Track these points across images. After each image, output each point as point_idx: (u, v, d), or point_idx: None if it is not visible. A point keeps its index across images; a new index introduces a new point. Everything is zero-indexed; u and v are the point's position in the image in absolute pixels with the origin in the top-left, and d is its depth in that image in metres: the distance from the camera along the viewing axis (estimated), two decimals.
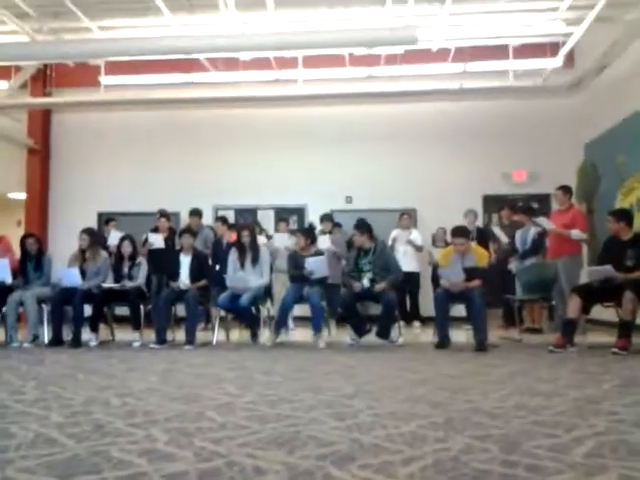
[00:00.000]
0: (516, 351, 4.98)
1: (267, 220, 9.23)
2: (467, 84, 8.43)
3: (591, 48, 7.68)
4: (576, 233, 6.25)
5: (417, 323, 7.96)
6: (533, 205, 7.90)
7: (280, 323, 5.78)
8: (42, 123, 10.16)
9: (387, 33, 6.51)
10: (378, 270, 5.58)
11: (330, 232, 7.86)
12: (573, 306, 5.01)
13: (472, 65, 8.31)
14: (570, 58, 8.55)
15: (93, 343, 5.66)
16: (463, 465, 1.73)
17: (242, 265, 5.91)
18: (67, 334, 5.75)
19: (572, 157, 8.86)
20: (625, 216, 5.24)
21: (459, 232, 5.49)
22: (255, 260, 5.89)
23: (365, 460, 1.79)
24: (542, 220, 6.52)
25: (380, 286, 5.46)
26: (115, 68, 8.68)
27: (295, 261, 5.97)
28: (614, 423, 2.26)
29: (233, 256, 5.98)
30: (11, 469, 1.72)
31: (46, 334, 5.85)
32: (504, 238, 7.23)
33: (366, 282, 5.53)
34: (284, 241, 7.43)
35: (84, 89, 9.42)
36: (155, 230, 7.67)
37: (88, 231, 6.21)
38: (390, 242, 7.92)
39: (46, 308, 5.89)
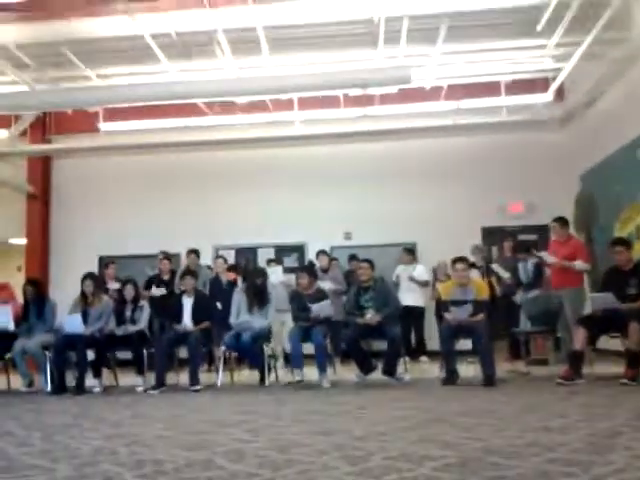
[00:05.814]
0: (524, 385, 4.94)
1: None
2: (461, 120, 8.59)
3: (580, 83, 7.85)
4: (580, 264, 6.23)
5: (424, 358, 7.88)
6: (530, 240, 8.02)
7: (295, 362, 5.60)
8: (42, 169, 10.26)
9: (382, 74, 6.65)
10: (379, 306, 5.56)
11: (327, 268, 7.88)
12: (579, 337, 5.00)
13: (465, 102, 8.47)
14: (560, 93, 8.73)
15: (97, 389, 5.60)
16: None
17: (250, 309, 5.92)
18: (70, 380, 5.69)
19: (567, 188, 8.94)
20: (630, 245, 5.30)
21: (459, 258, 5.63)
22: (263, 304, 5.92)
23: None
24: (544, 255, 6.51)
25: (374, 317, 5.42)
26: (114, 114, 8.79)
27: (299, 302, 5.92)
28: (632, 459, 2.21)
29: (239, 298, 5.98)
30: None
31: (49, 381, 5.78)
32: (504, 273, 7.25)
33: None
34: (279, 276, 7.44)
35: (83, 135, 9.58)
36: (156, 277, 7.62)
37: (91, 276, 6.24)
38: (394, 278, 7.94)
39: (49, 355, 5.84)
